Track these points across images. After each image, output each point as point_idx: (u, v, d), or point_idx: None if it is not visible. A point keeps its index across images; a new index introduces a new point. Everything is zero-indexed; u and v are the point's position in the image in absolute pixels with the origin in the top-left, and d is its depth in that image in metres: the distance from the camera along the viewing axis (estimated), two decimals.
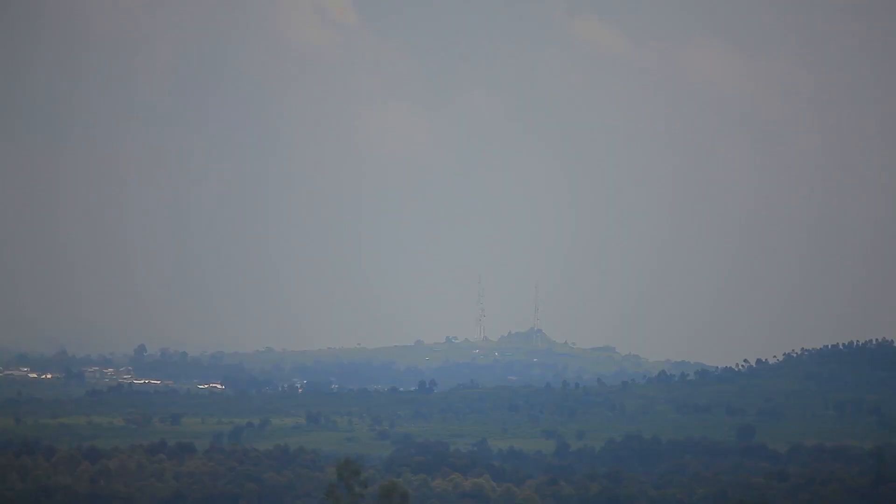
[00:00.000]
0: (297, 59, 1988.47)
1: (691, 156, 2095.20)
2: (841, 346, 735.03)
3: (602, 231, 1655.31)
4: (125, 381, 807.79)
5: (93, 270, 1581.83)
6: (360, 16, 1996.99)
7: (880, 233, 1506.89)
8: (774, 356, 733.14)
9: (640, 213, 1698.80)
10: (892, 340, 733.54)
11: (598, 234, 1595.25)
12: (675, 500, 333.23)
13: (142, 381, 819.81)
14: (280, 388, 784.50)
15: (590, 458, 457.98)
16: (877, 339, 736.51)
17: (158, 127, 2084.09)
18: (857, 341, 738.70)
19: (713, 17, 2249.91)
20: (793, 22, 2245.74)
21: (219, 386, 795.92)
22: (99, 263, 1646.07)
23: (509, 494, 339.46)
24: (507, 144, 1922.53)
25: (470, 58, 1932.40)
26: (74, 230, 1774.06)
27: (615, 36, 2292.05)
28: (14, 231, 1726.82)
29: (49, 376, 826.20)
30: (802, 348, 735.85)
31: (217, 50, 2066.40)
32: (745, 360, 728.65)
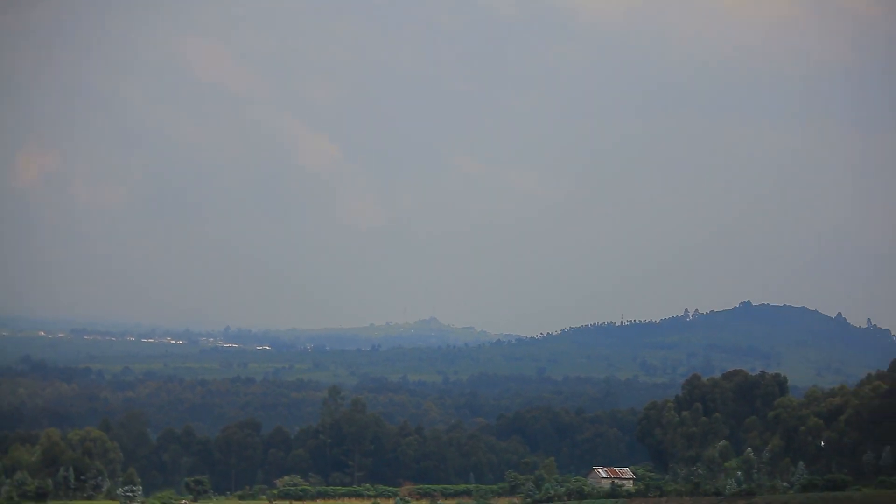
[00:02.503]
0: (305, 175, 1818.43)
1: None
2: (589, 325, 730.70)
3: (471, 256, 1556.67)
4: (219, 344, 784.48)
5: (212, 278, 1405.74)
6: (340, 150, 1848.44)
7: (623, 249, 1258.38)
8: (556, 330, 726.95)
9: (488, 241, 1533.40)
10: (613, 322, 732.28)
11: (470, 258, 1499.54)
12: (505, 406, 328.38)
13: (228, 345, 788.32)
14: (300, 349, 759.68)
15: (460, 384, 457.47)
16: (606, 322, 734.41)
17: None
18: (596, 322, 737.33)
19: None
20: None
21: (267, 347, 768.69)
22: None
23: (418, 404, 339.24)
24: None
25: (404, 165, 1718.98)
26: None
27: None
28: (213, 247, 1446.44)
29: (181, 342, 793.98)
30: (570, 326, 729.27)
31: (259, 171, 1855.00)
32: (541, 332, 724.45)
